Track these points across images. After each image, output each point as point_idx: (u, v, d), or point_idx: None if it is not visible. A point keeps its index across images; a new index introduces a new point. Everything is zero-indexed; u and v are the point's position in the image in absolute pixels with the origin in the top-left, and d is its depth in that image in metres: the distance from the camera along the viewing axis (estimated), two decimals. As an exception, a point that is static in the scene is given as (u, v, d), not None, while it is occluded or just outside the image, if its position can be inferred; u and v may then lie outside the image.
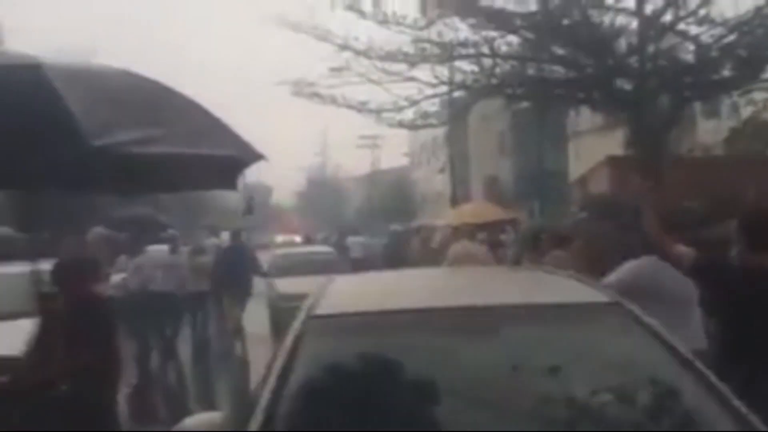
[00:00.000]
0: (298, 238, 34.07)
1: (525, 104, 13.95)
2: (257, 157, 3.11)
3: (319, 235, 41.20)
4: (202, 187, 5.20)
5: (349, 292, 2.81)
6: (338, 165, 59.02)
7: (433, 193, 37.65)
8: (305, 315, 2.52)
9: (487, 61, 10.99)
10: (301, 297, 9.29)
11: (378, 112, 11.60)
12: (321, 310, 2.52)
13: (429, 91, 11.50)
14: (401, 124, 12.28)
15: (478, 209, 15.84)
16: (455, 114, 14.30)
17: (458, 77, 11.67)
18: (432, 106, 12.53)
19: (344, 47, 11.08)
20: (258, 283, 11.54)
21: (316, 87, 11.51)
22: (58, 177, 2.91)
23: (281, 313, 11.06)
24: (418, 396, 2.14)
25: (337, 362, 2.28)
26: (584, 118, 21.52)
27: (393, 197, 36.73)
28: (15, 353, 3.96)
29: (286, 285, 11.55)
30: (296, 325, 2.50)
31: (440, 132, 35.98)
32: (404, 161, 45.54)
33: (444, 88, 11.62)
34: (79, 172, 2.84)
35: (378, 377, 2.27)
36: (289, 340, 2.40)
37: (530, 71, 11.30)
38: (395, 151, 61.87)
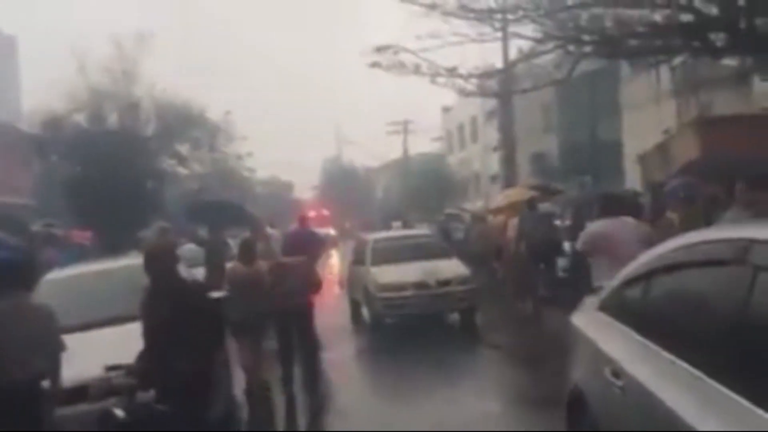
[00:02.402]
0: (332, 231, 33.97)
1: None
2: None
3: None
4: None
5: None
6: (358, 155, 58.54)
7: (472, 174, 37.33)
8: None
9: (592, 13, 10.29)
10: (405, 287, 10.11)
11: (467, 77, 11.19)
12: None
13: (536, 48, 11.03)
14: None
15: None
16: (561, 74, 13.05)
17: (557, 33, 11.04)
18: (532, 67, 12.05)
19: (432, 7, 10.58)
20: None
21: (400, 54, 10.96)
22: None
23: (377, 303, 10.54)
24: None
25: None
26: (638, 86, 21.20)
27: (428, 182, 36.37)
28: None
29: (387, 274, 10.84)
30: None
31: (479, 111, 35.76)
32: (435, 146, 45.20)
33: (549, 45, 10.96)
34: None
35: None
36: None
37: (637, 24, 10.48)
38: (424, 137, 61.81)
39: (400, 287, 10.53)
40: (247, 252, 7.05)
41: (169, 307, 3.92)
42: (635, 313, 3.21)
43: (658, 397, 2.49)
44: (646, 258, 3.30)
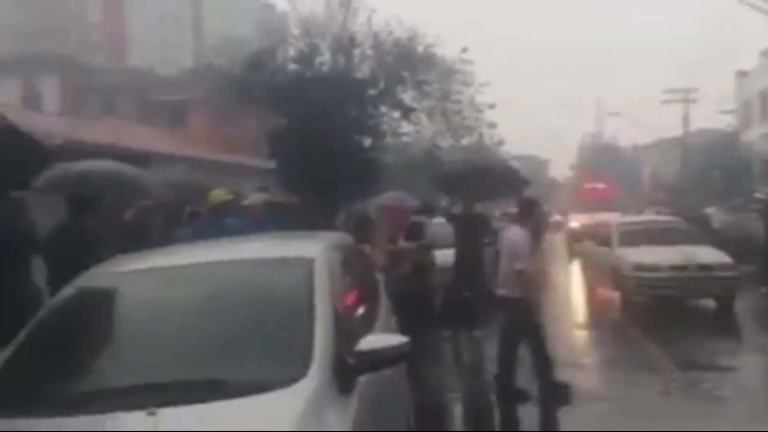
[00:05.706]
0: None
1: None
2: None
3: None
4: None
5: None
6: (626, 129, 52.30)
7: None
8: None
9: None
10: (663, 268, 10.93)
11: None
12: None
13: None
14: None
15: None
16: None
17: None
18: None
19: None
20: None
21: None
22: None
23: (632, 282, 10.98)
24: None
25: None
26: None
27: (713, 163, 29.97)
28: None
29: (640, 255, 11.26)
30: None
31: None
32: (725, 120, 37.61)
33: None
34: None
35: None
36: None
37: None
38: (710, 108, 52.47)
39: (655, 268, 10.80)
40: None
41: None
42: None
43: None
44: None
